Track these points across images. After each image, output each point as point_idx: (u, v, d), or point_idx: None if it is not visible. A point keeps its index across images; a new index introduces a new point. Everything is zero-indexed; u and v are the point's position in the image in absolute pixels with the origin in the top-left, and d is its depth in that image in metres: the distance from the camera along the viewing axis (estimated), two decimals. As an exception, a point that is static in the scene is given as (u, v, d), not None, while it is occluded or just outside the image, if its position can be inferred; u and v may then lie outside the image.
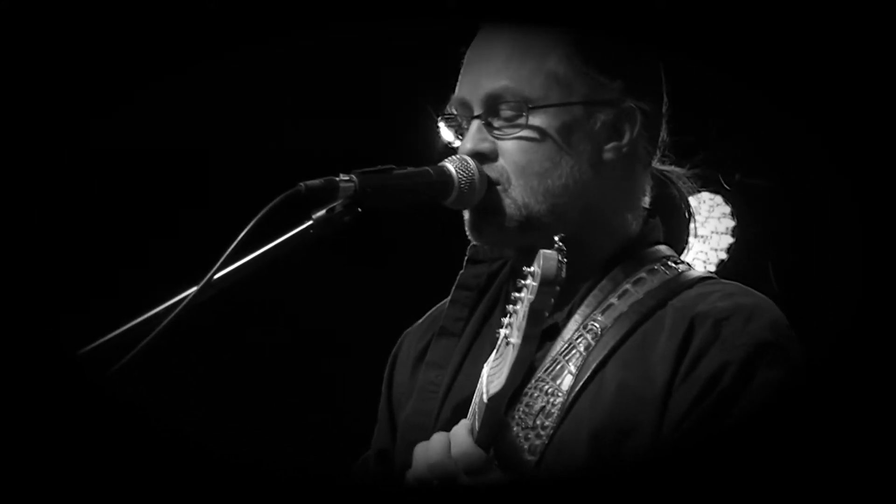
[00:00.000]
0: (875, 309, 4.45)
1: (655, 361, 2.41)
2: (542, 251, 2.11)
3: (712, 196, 5.18)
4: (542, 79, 2.49)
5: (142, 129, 4.73)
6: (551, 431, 2.41)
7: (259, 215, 2.27)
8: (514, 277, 2.61)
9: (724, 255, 5.24)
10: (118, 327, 2.26)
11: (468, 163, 2.49)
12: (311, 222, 2.35)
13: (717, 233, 5.20)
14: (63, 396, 2.24)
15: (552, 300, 2.12)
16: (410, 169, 2.48)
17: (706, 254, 5.18)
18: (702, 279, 2.55)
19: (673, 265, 2.57)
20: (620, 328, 2.46)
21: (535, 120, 2.49)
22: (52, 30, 4.24)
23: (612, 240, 2.56)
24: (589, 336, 2.46)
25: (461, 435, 2.26)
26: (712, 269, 5.16)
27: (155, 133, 4.79)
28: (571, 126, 2.50)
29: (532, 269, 2.12)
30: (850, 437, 2.48)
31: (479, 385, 2.26)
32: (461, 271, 2.71)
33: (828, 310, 4.58)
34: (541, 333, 2.18)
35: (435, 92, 2.62)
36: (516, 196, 2.49)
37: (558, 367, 2.45)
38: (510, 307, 2.18)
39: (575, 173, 2.50)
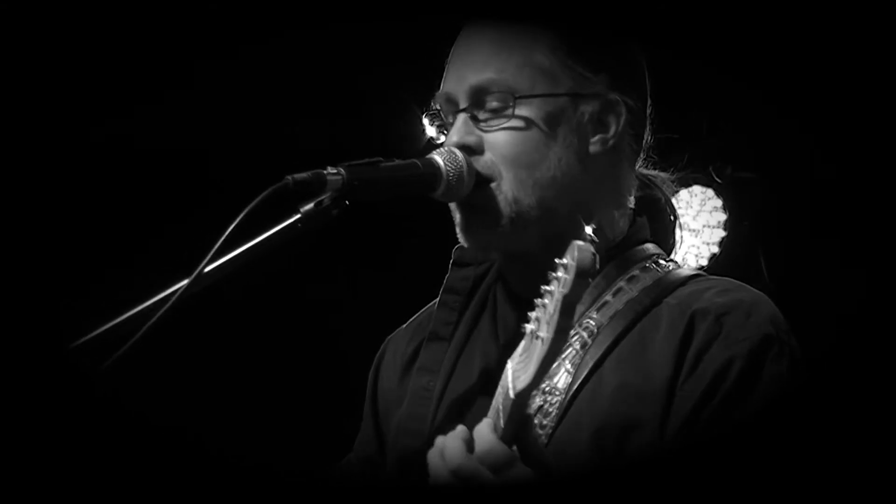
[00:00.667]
0: (868, 302, 4.47)
1: (655, 358, 2.41)
2: (575, 242, 2.06)
3: (704, 189, 5.11)
4: (527, 71, 2.49)
5: (138, 127, 4.74)
6: (550, 431, 2.41)
7: (247, 209, 2.26)
8: (502, 280, 2.64)
9: (715, 249, 5.21)
10: (109, 321, 2.27)
11: (456, 154, 2.48)
12: (299, 216, 2.35)
13: (708, 226, 5.17)
14: (56, 389, 2.26)
15: (583, 292, 2.08)
16: (398, 161, 2.47)
17: (698, 247, 5.14)
18: (693, 276, 2.55)
19: (663, 262, 2.58)
20: (617, 326, 2.47)
21: (522, 111, 2.49)
22: (51, 30, 4.25)
23: (602, 237, 2.54)
24: (585, 334, 2.46)
25: (485, 433, 2.20)
26: (704, 262, 5.15)
27: (155, 134, 4.79)
28: (558, 117, 2.50)
29: (564, 260, 2.07)
30: (849, 434, 2.49)
31: (502, 381, 2.20)
32: (448, 275, 2.70)
33: (820, 303, 4.59)
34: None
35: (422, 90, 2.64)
36: (506, 190, 2.49)
37: (555, 365, 2.42)
38: (537, 300, 2.12)
39: (563, 166, 2.50)
